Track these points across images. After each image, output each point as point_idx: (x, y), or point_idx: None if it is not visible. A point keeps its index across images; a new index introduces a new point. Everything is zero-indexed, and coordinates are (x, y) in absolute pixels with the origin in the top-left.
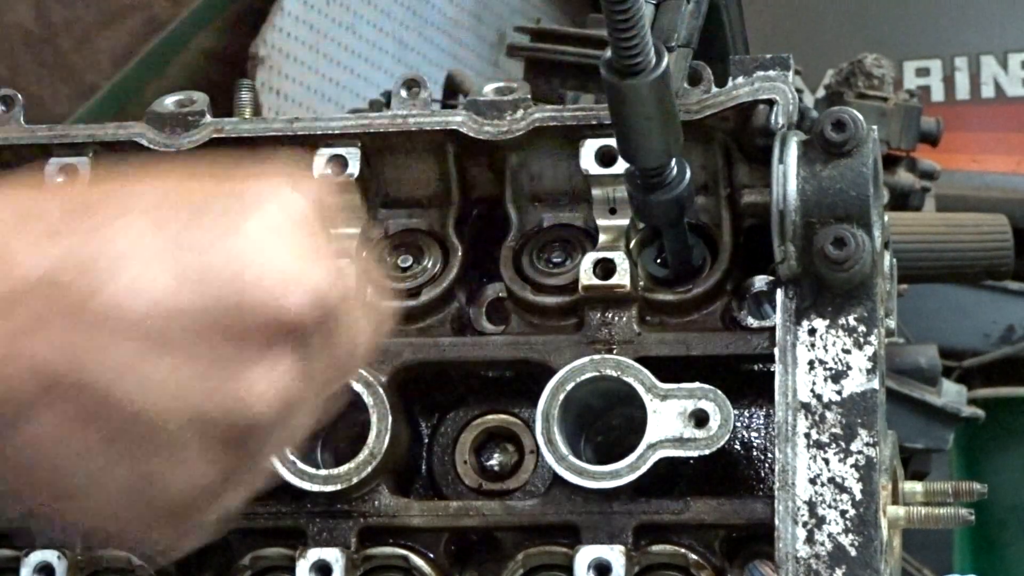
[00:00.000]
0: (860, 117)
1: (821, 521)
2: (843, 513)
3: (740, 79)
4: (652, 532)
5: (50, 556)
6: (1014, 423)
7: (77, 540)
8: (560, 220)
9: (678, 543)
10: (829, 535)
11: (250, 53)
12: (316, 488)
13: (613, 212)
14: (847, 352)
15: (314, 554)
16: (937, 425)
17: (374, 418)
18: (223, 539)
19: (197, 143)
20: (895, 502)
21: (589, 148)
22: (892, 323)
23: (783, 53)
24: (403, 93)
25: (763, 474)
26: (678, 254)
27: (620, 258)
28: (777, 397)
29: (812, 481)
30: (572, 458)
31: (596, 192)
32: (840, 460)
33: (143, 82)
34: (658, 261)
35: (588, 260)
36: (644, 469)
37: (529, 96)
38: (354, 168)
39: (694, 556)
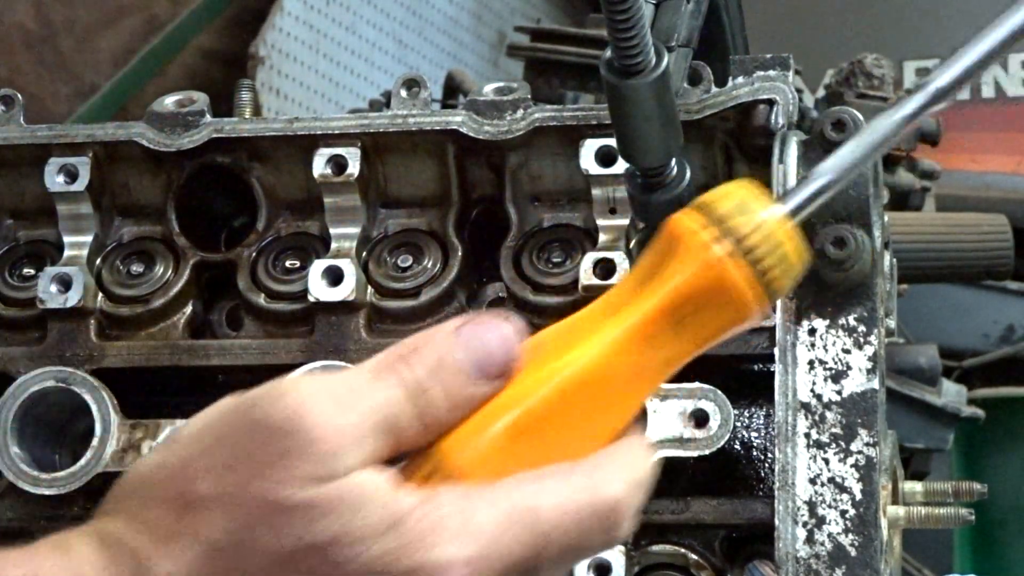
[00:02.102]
0: (860, 117)
1: (821, 521)
2: (843, 513)
3: (740, 79)
4: (652, 532)
5: None
6: (1014, 423)
7: None
8: (560, 220)
9: (678, 543)
10: (829, 535)
11: (250, 53)
12: None
13: (613, 212)
14: (847, 352)
15: None
16: (937, 425)
17: None
18: None
19: (197, 143)
20: (895, 502)
21: (589, 148)
22: (892, 323)
23: (783, 53)
24: (403, 93)
25: (763, 474)
26: None
27: (620, 258)
28: (777, 397)
29: (812, 481)
30: None
31: (596, 192)
32: (840, 460)
33: (143, 82)
34: None
35: (588, 260)
36: None
37: (529, 96)
38: (354, 168)
39: (694, 556)
